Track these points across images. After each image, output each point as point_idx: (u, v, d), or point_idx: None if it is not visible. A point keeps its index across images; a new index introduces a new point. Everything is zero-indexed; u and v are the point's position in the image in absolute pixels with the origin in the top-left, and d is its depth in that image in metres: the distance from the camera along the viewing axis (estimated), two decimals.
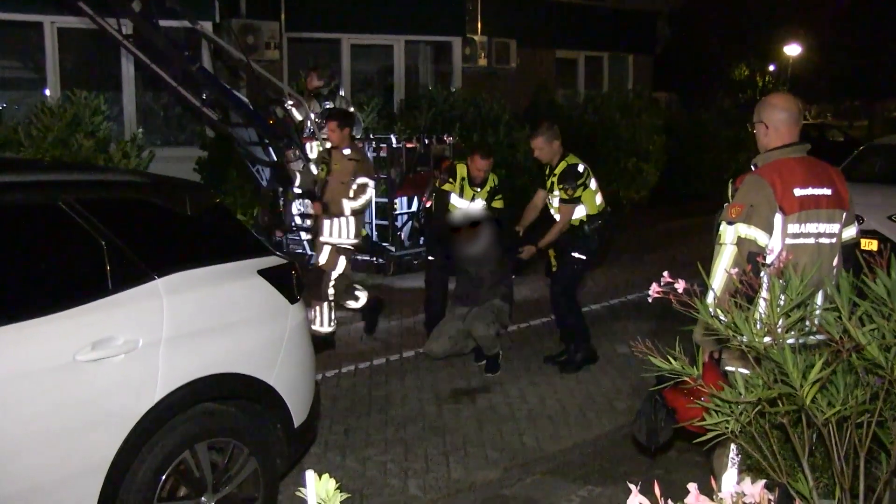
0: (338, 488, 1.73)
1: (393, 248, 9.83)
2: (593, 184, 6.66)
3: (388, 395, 6.39)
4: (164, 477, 3.58)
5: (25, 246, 3.50)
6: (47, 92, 11.03)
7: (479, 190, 7.09)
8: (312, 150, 9.23)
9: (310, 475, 1.67)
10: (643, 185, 16.00)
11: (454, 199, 7.13)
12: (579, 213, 6.66)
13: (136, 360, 3.49)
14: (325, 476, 1.72)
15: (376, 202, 9.77)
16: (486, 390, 6.49)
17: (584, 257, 6.70)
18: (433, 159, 9.85)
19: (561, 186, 6.57)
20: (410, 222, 10.00)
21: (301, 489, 1.68)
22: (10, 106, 11.50)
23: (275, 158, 9.20)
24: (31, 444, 3.24)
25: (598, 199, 6.72)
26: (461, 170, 7.14)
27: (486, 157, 7.05)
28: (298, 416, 4.23)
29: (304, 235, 9.73)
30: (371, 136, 10.36)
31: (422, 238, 9.50)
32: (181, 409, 3.66)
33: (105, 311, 3.45)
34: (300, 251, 9.84)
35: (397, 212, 9.85)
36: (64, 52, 11.37)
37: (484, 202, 7.09)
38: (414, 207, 9.98)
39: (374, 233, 10.01)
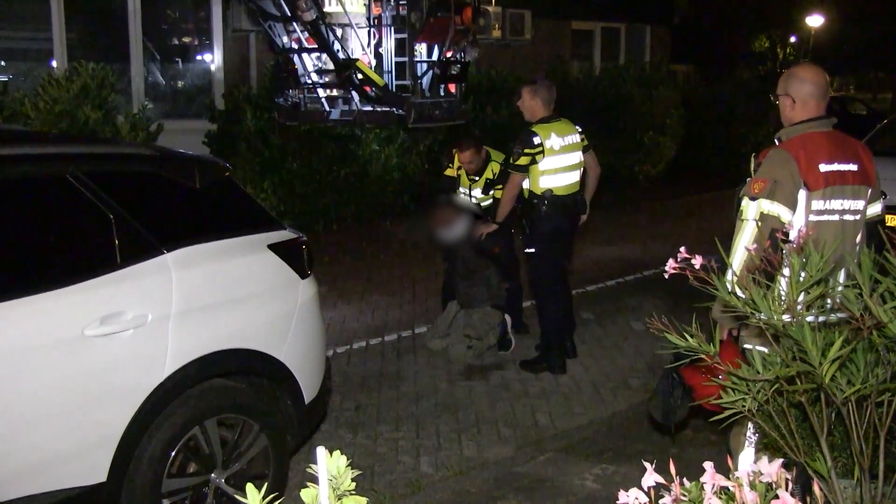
0: (349, 465, 1.72)
1: (412, 97, 9.40)
2: (545, 164, 5.94)
3: (400, 372, 6.37)
4: (173, 453, 3.58)
5: (34, 219, 3.47)
6: (54, 63, 10.95)
7: (476, 179, 6.82)
8: (330, 3, 8.94)
9: (321, 451, 1.65)
10: (660, 158, 15.90)
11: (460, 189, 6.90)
12: (526, 184, 6.08)
13: (146, 335, 3.47)
14: (337, 452, 1.71)
15: (396, 62, 9.33)
16: (499, 367, 6.46)
17: (533, 250, 6.16)
18: (454, 4, 9.49)
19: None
20: (431, 71, 9.66)
21: (312, 465, 1.67)
22: (16, 77, 11.43)
23: (288, 13, 8.85)
24: (41, 417, 3.24)
25: (546, 182, 5.97)
26: (458, 159, 6.84)
27: (463, 150, 6.62)
28: (309, 392, 4.22)
29: (321, 92, 9.40)
30: None
31: (441, 90, 9.12)
32: (191, 384, 3.65)
33: (114, 285, 3.43)
34: (319, 108, 9.48)
35: (417, 59, 9.51)
36: (70, 22, 11.23)
37: (481, 192, 6.81)
38: (434, 56, 9.64)
39: (394, 87, 9.61)
